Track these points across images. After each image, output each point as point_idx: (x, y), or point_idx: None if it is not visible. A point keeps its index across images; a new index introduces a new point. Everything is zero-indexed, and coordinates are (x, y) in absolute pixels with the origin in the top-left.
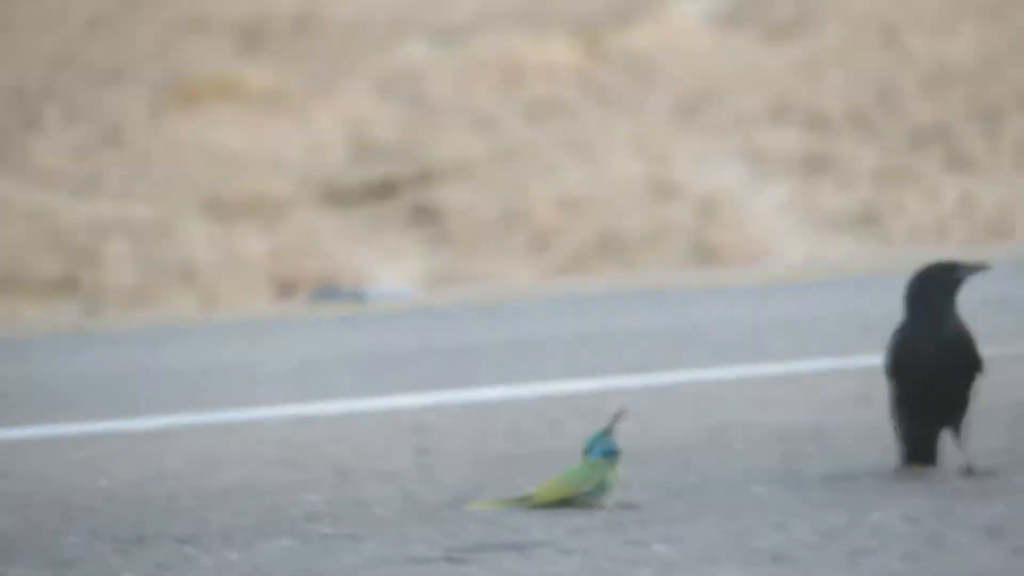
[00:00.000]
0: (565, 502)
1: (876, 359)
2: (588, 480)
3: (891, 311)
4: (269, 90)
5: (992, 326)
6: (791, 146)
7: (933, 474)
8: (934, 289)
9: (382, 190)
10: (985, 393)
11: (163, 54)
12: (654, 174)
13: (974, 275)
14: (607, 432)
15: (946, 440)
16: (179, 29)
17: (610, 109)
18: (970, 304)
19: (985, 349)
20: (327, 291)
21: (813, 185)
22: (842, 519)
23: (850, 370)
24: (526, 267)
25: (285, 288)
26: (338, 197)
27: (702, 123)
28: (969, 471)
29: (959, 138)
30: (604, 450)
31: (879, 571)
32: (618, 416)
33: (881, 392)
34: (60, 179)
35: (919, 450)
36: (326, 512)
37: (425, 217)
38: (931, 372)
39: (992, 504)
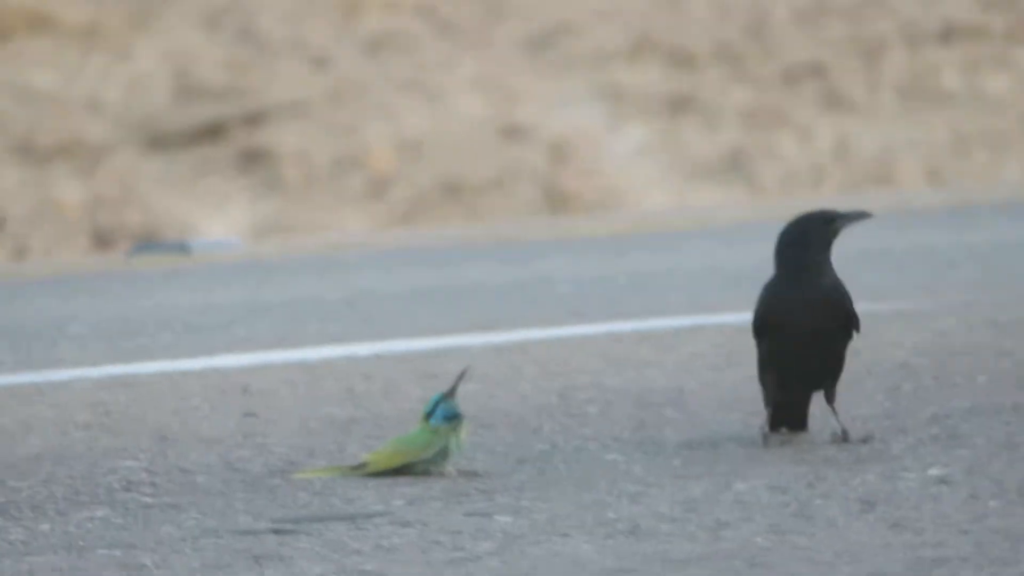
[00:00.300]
0: (403, 470)
1: (742, 317)
2: (428, 446)
3: (760, 265)
4: (85, 25)
5: (870, 281)
6: (652, 85)
7: (802, 441)
8: (807, 241)
9: (208, 133)
10: (861, 354)
11: None
12: (502, 115)
13: (852, 225)
14: (449, 395)
15: (817, 404)
16: None
17: (454, 44)
18: (846, 257)
19: (861, 306)
20: (148, 242)
21: (676, 128)
22: (703, 489)
23: (712, 328)
24: (362, 216)
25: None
26: (161, 141)
27: (555, 60)
28: (842, 438)
29: (836, 76)
30: (446, 414)
31: (743, 545)
32: (461, 377)
33: (747, 352)
34: None
35: (788, 415)
36: (145, 480)
37: (254, 162)
38: (802, 331)
39: (866, 474)
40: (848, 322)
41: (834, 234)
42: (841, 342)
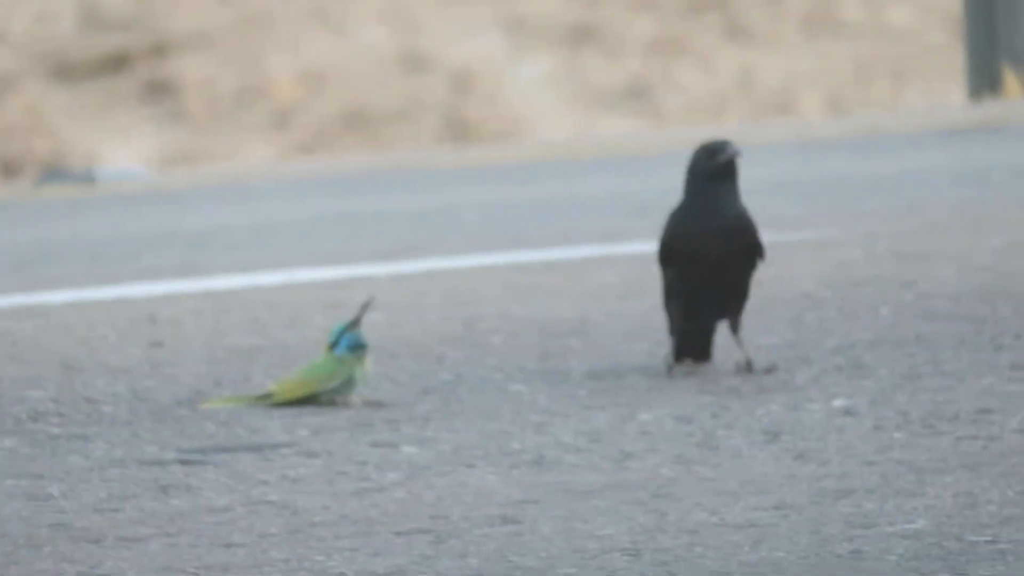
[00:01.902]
0: (308, 400)
1: (646, 246)
2: (333, 376)
3: (664, 193)
4: None
5: (774, 211)
6: (554, 14)
7: (707, 371)
8: (706, 173)
9: (114, 63)
10: (766, 283)
11: None
12: (404, 45)
13: (729, 158)
14: (354, 324)
15: (722, 334)
16: None
17: None
18: (749, 187)
19: (766, 236)
20: (54, 172)
21: (579, 57)
22: (608, 419)
23: (618, 257)
24: (266, 145)
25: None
26: (67, 71)
27: None
28: (747, 368)
29: (738, 7)
30: (351, 343)
31: (648, 476)
32: (366, 307)
33: (652, 282)
34: None
35: (692, 345)
36: (52, 410)
37: (159, 92)
38: (707, 260)
39: (770, 404)
40: (753, 251)
41: (719, 166)
42: (745, 271)
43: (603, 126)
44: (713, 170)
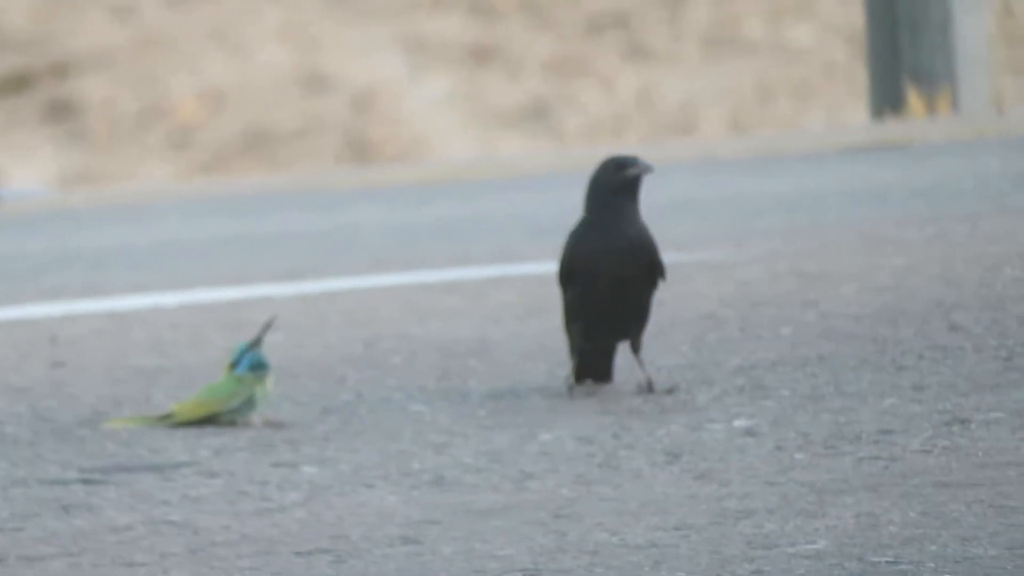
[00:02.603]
0: (209, 420)
1: (547, 266)
2: (234, 396)
3: (564, 213)
4: None
5: (675, 231)
6: (454, 34)
7: (607, 392)
8: (611, 187)
9: (13, 83)
10: (666, 303)
11: None
12: (304, 64)
13: (639, 173)
14: (254, 344)
15: (623, 354)
16: None
17: None
18: (650, 207)
19: (667, 256)
20: None
21: (479, 77)
22: (508, 440)
23: (518, 278)
24: (167, 165)
25: None
26: None
27: (357, 8)
28: (647, 388)
29: (639, 26)
30: (251, 363)
31: (548, 496)
32: (267, 327)
33: (552, 302)
34: None
35: (593, 365)
36: None
37: (60, 112)
38: (608, 279)
39: (671, 425)
40: (653, 270)
41: (625, 181)
42: (647, 291)
43: (503, 146)
44: (620, 184)
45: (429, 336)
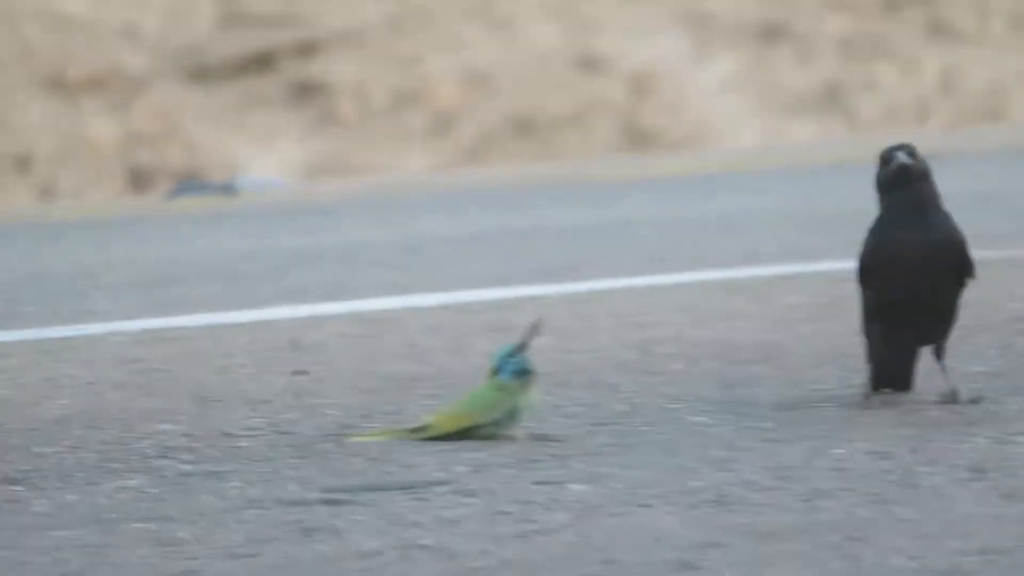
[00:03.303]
0: (467, 433)
1: (842, 265)
2: (496, 407)
3: (858, 206)
4: None
5: (981, 225)
6: (741, 12)
7: (907, 402)
8: (884, 182)
9: (256, 64)
10: (972, 305)
11: None
12: (577, 45)
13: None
14: (520, 349)
15: (924, 361)
16: None
17: None
18: (953, 199)
19: (975, 252)
20: (189, 183)
21: (767, 58)
22: (797, 454)
23: (810, 277)
24: (425, 154)
25: (139, 179)
26: (203, 72)
27: None
28: (951, 398)
29: (942, 2)
30: (516, 370)
31: (842, 516)
32: (533, 330)
33: (846, 303)
34: None
35: (892, 372)
36: (184, 445)
37: (306, 96)
38: (912, 279)
39: (976, 438)
40: (962, 269)
41: (893, 174)
42: (953, 291)
43: (793, 133)
44: (891, 178)
45: (710, 340)
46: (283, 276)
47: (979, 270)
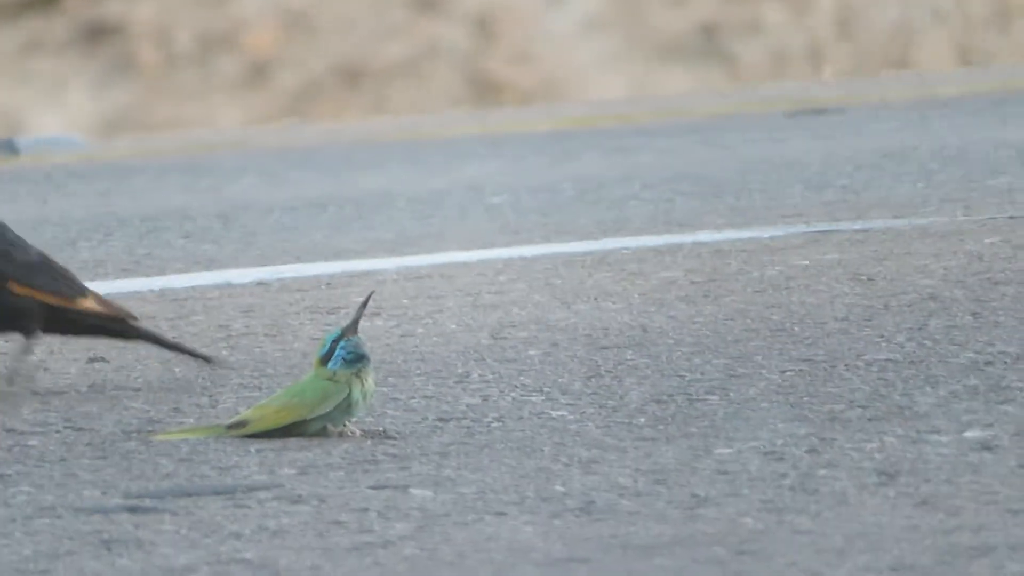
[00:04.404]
0: (293, 429)
1: (725, 234)
2: (324, 399)
3: (744, 167)
4: None
5: (890, 191)
6: None
7: (809, 393)
8: None
9: (39, 3)
10: (879, 281)
11: None
12: None
13: None
14: (350, 331)
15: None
16: None
17: None
18: (859, 157)
19: (880, 221)
20: None
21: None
22: (675, 455)
23: (688, 250)
24: (237, 108)
25: None
26: None
27: None
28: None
29: None
30: (347, 355)
31: (728, 527)
32: (364, 307)
33: (733, 280)
34: None
35: None
36: None
37: (98, 40)
38: None
39: (884, 436)
40: None
41: None
42: None
43: (665, 82)
44: None
45: (574, 323)
46: (74, 248)
47: (886, 241)
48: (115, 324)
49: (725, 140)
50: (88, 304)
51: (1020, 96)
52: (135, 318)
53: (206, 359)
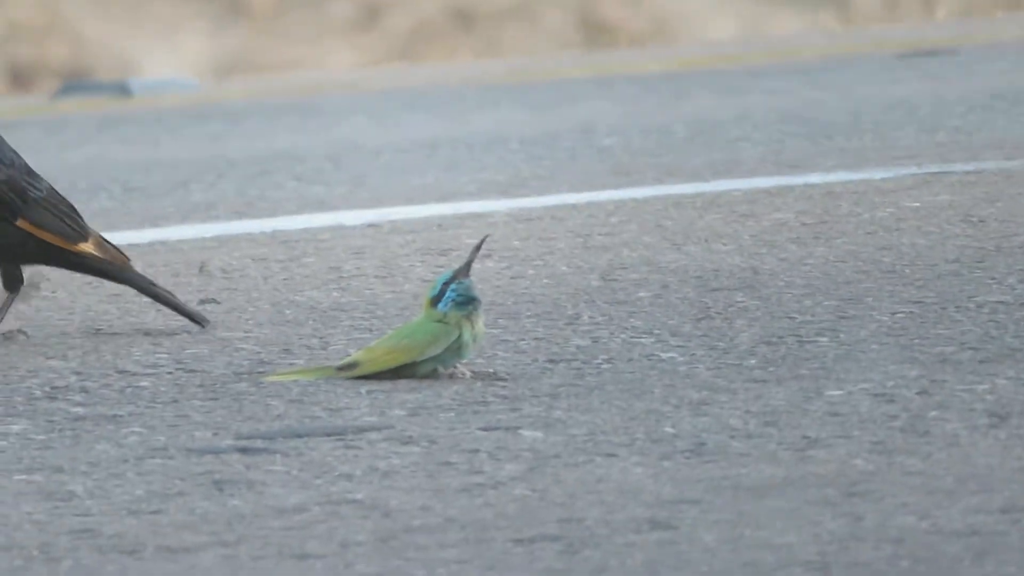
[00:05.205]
0: (403, 371)
1: (837, 175)
2: (435, 341)
3: (856, 108)
4: None
5: (1005, 130)
6: None
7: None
8: None
9: None
10: (991, 224)
11: None
12: None
13: None
14: (462, 273)
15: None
16: None
17: None
18: (972, 98)
19: (987, 160)
20: (77, 82)
21: None
22: (786, 397)
23: (799, 191)
24: (348, 49)
25: (19, 78)
26: None
27: None
28: None
29: None
30: (458, 297)
31: (838, 469)
32: (477, 250)
33: (844, 221)
34: None
35: None
36: (75, 386)
37: None
38: None
39: (996, 378)
40: None
41: None
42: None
43: (776, 24)
44: None
45: (684, 264)
46: (186, 190)
47: (986, 180)
48: (111, 268)
49: (836, 81)
50: (87, 248)
51: None
52: (130, 266)
53: (200, 322)
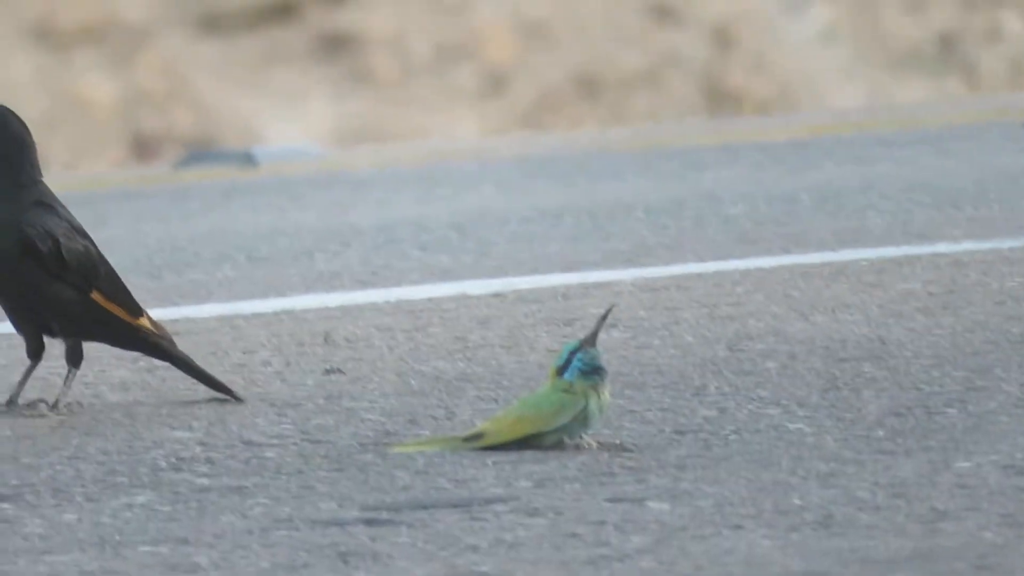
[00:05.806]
0: (529, 441)
1: (965, 245)
2: (561, 411)
3: (983, 176)
4: None
5: None
6: None
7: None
8: None
9: (277, 12)
10: None
11: None
12: None
13: None
14: (588, 343)
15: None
16: None
17: None
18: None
19: None
20: (201, 151)
21: (871, 5)
22: (915, 469)
23: (926, 261)
24: (474, 118)
25: (143, 146)
26: (217, 22)
27: None
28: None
29: None
30: (584, 367)
31: (967, 542)
32: (603, 321)
33: (973, 291)
34: None
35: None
36: (200, 456)
37: (336, 50)
38: None
39: None
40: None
41: None
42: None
43: (902, 91)
44: None
45: (811, 335)
46: (311, 259)
47: None
48: (162, 343)
49: (963, 150)
50: (145, 323)
51: None
52: (175, 343)
53: (236, 397)
